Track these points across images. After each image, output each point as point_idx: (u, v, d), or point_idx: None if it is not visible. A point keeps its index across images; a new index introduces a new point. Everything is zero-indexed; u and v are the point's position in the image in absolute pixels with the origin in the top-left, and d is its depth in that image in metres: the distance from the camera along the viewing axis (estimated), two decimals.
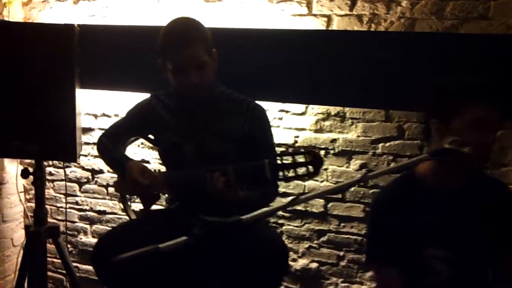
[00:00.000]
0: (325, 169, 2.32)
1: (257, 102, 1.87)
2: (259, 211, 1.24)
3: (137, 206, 2.20)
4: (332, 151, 2.30)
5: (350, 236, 2.33)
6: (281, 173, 1.53)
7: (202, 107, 1.83)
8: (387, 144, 2.23)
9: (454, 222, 1.55)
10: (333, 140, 2.30)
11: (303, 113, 2.33)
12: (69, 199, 2.75)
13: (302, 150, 1.54)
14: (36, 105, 2.18)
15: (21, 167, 2.58)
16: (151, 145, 2.51)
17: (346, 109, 2.27)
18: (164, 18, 2.28)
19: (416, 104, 2.10)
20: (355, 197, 2.30)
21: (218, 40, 1.79)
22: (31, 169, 2.32)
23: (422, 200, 1.58)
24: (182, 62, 1.69)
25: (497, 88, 1.53)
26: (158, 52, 1.75)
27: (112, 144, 2.00)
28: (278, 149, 1.65)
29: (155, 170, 1.89)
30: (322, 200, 2.34)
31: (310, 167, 1.51)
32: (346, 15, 2.20)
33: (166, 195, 1.97)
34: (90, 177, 2.75)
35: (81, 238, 2.80)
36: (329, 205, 2.35)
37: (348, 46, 2.11)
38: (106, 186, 2.72)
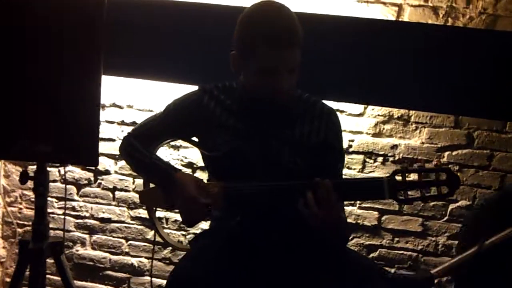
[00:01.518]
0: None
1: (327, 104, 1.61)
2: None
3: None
4: (391, 158, 2.06)
5: (405, 252, 2.12)
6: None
7: (275, 109, 1.53)
8: (454, 153, 2.03)
9: None
10: (394, 146, 2.06)
11: (360, 114, 2.07)
12: (63, 204, 2.29)
13: (433, 167, 1.30)
14: (50, 96, 1.73)
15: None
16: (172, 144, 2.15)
17: (411, 112, 2.03)
18: None
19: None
20: (413, 209, 2.09)
21: None
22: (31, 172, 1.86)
23: None
24: (277, 64, 1.40)
25: None
26: (237, 44, 1.45)
27: (144, 146, 1.65)
28: (402, 165, 1.38)
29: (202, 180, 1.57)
30: (375, 212, 2.11)
31: (444, 188, 1.29)
32: (420, 5, 1.95)
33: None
34: (92, 178, 2.31)
35: (77, 250, 2.36)
36: (384, 217, 2.12)
37: (419, 41, 1.89)
38: (113, 189, 2.30)
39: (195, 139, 1.69)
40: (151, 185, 1.70)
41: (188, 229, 2.24)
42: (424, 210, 2.08)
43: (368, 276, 1.40)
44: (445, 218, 2.08)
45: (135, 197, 2.28)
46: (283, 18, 1.40)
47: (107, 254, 2.34)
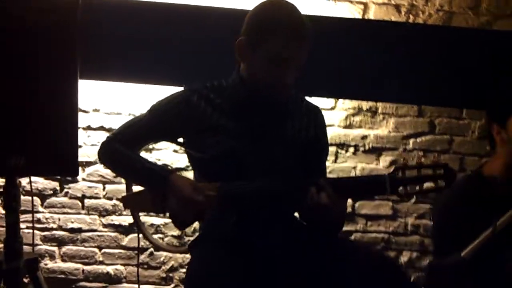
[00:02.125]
0: (354, 168, 2.19)
1: None
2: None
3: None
4: (361, 148, 2.18)
5: (378, 235, 2.26)
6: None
7: (271, 108, 1.55)
8: (418, 140, 2.19)
9: None
10: (364, 137, 2.18)
11: (332, 108, 2.16)
12: (28, 216, 2.15)
13: (430, 163, 1.40)
14: (23, 104, 1.61)
15: None
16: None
17: (378, 104, 2.16)
18: None
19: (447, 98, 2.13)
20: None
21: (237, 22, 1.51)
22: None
23: (491, 203, 1.56)
24: (290, 55, 1.40)
25: None
26: (250, 30, 1.44)
27: (130, 150, 1.59)
28: (401, 162, 1.47)
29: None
30: (349, 200, 2.22)
31: (440, 181, 1.38)
32: (383, 3, 2.07)
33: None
34: (58, 188, 2.19)
35: (46, 264, 2.23)
36: (357, 204, 2.23)
37: (384, 38, 2.01)
38: (82, 198, 2.19)
39: (181, 140, 1.67)
40: (134, 189, 1.64)
41: (166, 232, 2.22)
42: None
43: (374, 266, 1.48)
44: (413, 200, 2.24)
45: (107, 203, 2.20)
46: (299, 14, 1.43)
47: (79, 265, 2.23)
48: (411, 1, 2.07)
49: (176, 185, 1.46)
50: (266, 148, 1.53)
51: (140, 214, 2.11)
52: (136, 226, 1.79)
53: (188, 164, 2.12)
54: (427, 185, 1.38)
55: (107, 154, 1.60)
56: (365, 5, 2.07)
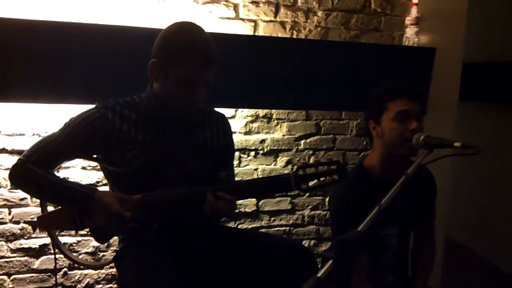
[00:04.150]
0: (255, 169, 2.41)
1: None
2: None
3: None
4: (261, 151, 2.41)
5: (280, 228, 2.51)
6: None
7: (183, 121, 1.69)
8: (308, 140, 2.48)
9: (398, 203, 1.89)
10: (262, 141, 2.41)
11: (232, 117, 2.35)
12: None
13: (325, 161, 1.64)
14: None
15: None
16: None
17: (273, 111, 2.40)
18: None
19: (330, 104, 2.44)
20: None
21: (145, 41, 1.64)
22: None
23: (374, 189, 1.88)
24: (199, 77, 1.55)
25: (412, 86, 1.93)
26: (160, 53, 1.55)
27: (46, 171, 1.61)
28: (302, 162, 1.70)
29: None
30: (253, 200, 2.43)
31: (335, 176, 1.63)
32: (271, 21, 2.31)
33: None
34: None
35: None
36: (260, 203, 2.46)
37: (272, 51, 2.25)
38: None
39: (95, 156, 1.71)
40: (49, 209, 1.68)
41: (79, 250, 2.22)
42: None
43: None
44: (307, 194, 2.53)
45: (14, 228, 2.14)
46: (207, 38, 1.56)
47: None
48: (293, 19, 2.34)
49: (103, 202, 1.52)
50: (182, 157, 1.65)
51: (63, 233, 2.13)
52: (54, 245, 1.81)
53: (98, 179, 2.18)
54: (324, 179, 1.64)
55: (21, 176, 1.58)
56: (255, 23, 2.30)
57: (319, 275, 1.16)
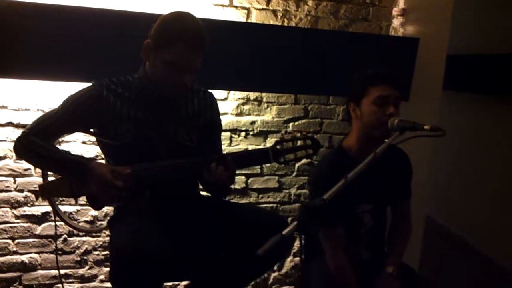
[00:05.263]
0: (246, 149, 2.55)
1: None
2: None
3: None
4: (251, 132, 2.55)
5: (268, 205, 2.66)
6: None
7: (172, 99, 1.83)
8: (296, 123, 2.62)
9: (373, 182, 2.02)
10: (252, 122, 2.55)
11: (225, 99, 2.49)
12: None
13: (300, 135, 1.78)
14: None
15: None
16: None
17: (263, 94, 2.53)
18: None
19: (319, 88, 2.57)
20: (271, 170, 2.63)
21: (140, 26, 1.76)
22: None
23: (351, 167, 2.02)
24: (185, 63, 1.67)
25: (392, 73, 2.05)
26: (155, 35, 1.69)
27: (47, 142, 1.77)
28: (279, 136, 1.83)
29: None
30: (243, 177, 2.59)
31: (310, 150, 1.78)
32: (263, 9, 2.44)
33: None
34: None
35: None
36: (249, 180, 2.61)
37: (264, 38, 2.38)
38: None
39: (92, 130, 1.85)
40: (50, 178, 1.82)
41: (78, 218, 2.39)
42: (279, 169, 2.64)
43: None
44: (294, 174, 2.68)
45: (18, 195, 2.31)
46: (199, 26, 1.69)
47: None
48: (285, 8, 2.47)
49: (97, 172, 1.66)
50: (171, 132, 1.79)
51: (64, 200, 2.28)
52: (54, 213, 1.96)
53: (97, 154, 2.33)
54: (299, 153, 1.79)
55: (24, 147, 1.72)
56: (248, 10, 2.42)
57: (283, 233, 1.31)
